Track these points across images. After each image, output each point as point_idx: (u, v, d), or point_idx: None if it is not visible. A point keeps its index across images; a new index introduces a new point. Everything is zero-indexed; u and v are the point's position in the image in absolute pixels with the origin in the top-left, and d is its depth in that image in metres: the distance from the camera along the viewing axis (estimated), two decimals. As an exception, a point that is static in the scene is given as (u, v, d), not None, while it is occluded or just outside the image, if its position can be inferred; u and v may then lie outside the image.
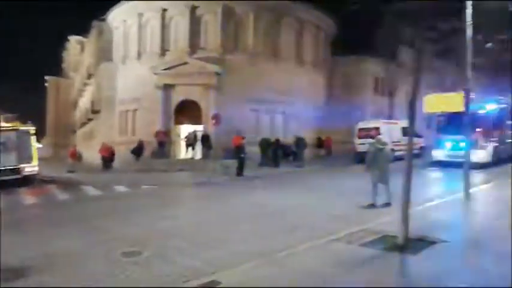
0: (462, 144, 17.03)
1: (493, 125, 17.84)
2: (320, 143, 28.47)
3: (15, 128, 17.75)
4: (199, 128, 24.99)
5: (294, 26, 28.47)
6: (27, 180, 17.32)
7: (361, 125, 24.50)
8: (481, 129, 17.02)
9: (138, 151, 24.25)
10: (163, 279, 5.59)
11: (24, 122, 19.13)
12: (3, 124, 17.83)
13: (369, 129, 23.04)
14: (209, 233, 8.12)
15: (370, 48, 31.00)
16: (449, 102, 17.96)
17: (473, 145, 16.58)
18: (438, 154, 18.84)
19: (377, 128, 22.30)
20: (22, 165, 17.19)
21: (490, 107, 17.94)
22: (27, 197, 14.45)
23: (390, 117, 30.36)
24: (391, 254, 5.92)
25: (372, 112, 31.99)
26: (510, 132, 19.27)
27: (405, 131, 19.69)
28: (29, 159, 17.48)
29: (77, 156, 25.94)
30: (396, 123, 23.76)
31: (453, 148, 18.04)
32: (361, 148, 21.56)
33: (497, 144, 18.00)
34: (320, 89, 30.89)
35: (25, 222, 10.21)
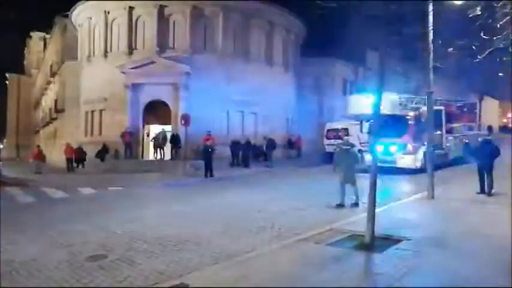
0: (392, 149, 16.66)
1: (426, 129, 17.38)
2: (290, 144, 28.77)
3: None
4: (168, 128, 24.67)
5: (264, 28, 28.60)
6: None
7: (330, 125, 24.88)
8: (410, 133, 16.38)
9: (102, 154, 23.70)
10: (129, 282, 5.47)
11: None
12: None
13: (337, 130, 23.46)
14: (176, 234, 7.99)
15: (339, 51, 31.67)
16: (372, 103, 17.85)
17: (401, 150, 16.41)
18: (370, 159, 18.24)
19: (345, 129, 22.73)
20: None
21: (423, 109, 16.84)
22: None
23: (358, 118, 30.97)
24: (358, 253, 6.05)
25: (341, 113, 32.59)
26: (448, 136, 18.51)
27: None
28: None
29: (41, 157, 24.99)
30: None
31: (383, 153, 16.72)
32: (329, 148, 21.89)
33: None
34: (290, 90, 31.17)
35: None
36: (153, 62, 24.80)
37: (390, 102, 17.30)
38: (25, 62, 63.36)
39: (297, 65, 32.38)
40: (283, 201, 11.52)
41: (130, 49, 25.74)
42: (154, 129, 25.47)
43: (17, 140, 59.15)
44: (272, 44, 29.09)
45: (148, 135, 25.65)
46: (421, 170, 15.49)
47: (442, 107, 18.46)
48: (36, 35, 56.19)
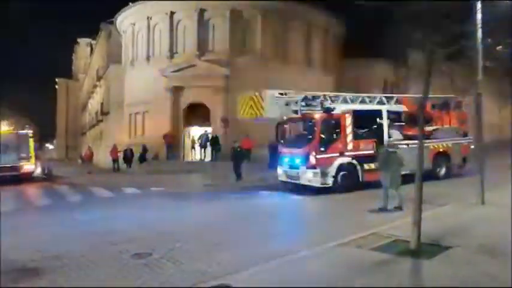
0: (297, 161, 13.46)
1: (346, 135, 13.16)
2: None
3: (15, 131, 20.28)
4: (208, 130, 25.11)
5: (302, 29, 28.45)
6: (26, 177, 19.27)
7: None
8: (314, 141, 12.85)
9: (141, 156, 24.56)
10: (174, 281, 5.58)
11: (37, 125, 20.66)
12: (5, 128, 20.72)
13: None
14: (218, 235, 8.11)
15: (379, 50, 30.87)
16: (257, 104, 13.58)
17: (303, 163, 13.01)
18: (279, 172, 14.58)
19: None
20: (21, 164, 19.14)
21: (343, 110, 13.39)
22: (34, 197, 14.69)
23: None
24: (404, 259, 5.85)
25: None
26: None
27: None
28: (27, 159, 19.43)
29: (91, 158, 26.53)
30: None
31: (290, 165, 13.80)
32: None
33: (350, 161, 13.15)
34: (329, 91, 30.74)
35: (37, 223, 10.31)
36: (193, 65, 25.34)
37: (270, 101, 13.27)
38: (73, 67, 66.56)
39: (336, 66, 31.94)
40: (323, 204, 11.39)
41: (172, 53, 26.43)
42: (195, 131, 26.02)
43: (66, 141, 62.25)
44: (311, 45, 28.88)
45: (188, 138, 26.29)
46: (332, 189, 12.71)
47: (381, 107, 14.37)
48: (83, 41, 58.90)
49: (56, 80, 65.95)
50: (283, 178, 14.30)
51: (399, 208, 9.60)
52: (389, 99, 15.16)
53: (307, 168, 12.84)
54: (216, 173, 19.37)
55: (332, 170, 12.79)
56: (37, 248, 7.30)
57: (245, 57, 25.82)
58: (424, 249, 6.07)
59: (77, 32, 61.71)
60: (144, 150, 24.66)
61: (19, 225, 9.73)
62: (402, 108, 15.11)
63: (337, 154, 12.98)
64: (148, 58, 27.67)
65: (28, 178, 19.41)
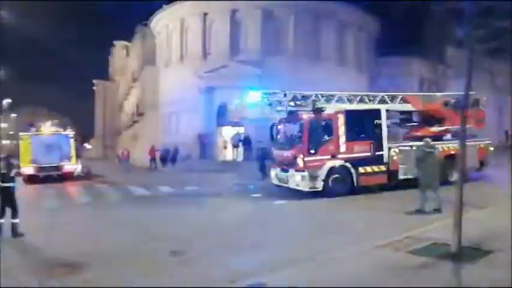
0: (287, 164, 12.92)
1: (339, 136, 12.42)
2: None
3: (57, 132, 21.03)
4: (241, 131, 25.31)
5: (335, 27, 28.16)
6: (68, 176, 20.13)
7: None
8: (303, 143, 12.23)
9: (173, 156, 25.10)
10: (210, 279, 5.66)
11: (76, 125, 21.37)
12: (49, 129, 21.37)
13: None
14: (252, 234, 8.16)
15: (416, 48, 30.08)
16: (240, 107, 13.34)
17: (292, 164, 12.45)
18: (272, 175, 14.06)
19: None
20: (63, 164, 19.88)
21: (334, 109, 12.77)
22: (75, 195, 15.35)
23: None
24: (445, 262, 5.68)
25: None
26: (397, 147, 13.30)
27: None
28: (68, 159, 20.18)
29: (128, 157, 27.54)
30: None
31: (281, 168, 13.28)
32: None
33: (343, 164, 12.38)
34: (363, 90, 30.25)
35: (78, 221, 10.73)
36: (225, 66, 25.60)
37: (251, 103, 13.11)
38: (110, 69, 68.67)
39: (370, 64, 31.41)
40: (359, 205, 11.20)
41: (204, 53, 26.84)
42: (227, 131, 26.30)
43: (103, 140, 64.34)
44: (344, 44, 28.57)
45: (223, 137, 26.68)
46: (324, 193, 12.09)
47: (380, 106, 13.51)
48: (119, 44, 60.57)
49: (94, 81, 68.24)
50: (275, 181, 13.77)
51: (438, 210, 9.30)
52: (393, 98, 14.30)
53: (296, 171, 12.28)
54: (246, 173, 19.49)
55: (322, 174, 12.11)
56: (77, 245, 7.60)
57: (277, 56, 25.85)
58: (464, 253, 5.87)
59: (113, 35, 63.48)
60: (176, 151, 25.19)
61: (61, 222, 10.17)
62: (410, 107, 14.43)
63: (329, 156, 12.31)
64: (182, 59, 28.22)
65: (70, 177, 20.29)
